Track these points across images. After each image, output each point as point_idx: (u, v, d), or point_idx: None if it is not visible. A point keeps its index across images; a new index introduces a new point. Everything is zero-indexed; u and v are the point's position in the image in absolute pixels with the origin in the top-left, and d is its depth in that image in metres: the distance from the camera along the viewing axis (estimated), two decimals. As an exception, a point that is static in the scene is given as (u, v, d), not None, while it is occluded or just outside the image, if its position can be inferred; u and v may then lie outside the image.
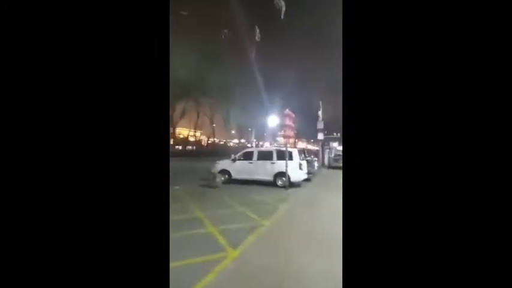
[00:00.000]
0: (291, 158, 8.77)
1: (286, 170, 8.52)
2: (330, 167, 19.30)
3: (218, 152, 29.80)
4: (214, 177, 9.06)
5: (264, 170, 9.09)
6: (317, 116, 23.06)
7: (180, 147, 37.55)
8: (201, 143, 48.99)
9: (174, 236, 3.98)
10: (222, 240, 3.85)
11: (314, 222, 4.92)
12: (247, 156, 9.58)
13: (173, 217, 5.04)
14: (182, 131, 48.57)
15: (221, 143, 50.89)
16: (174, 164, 17.94)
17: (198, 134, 51.00)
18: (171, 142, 34.67)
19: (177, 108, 35.77)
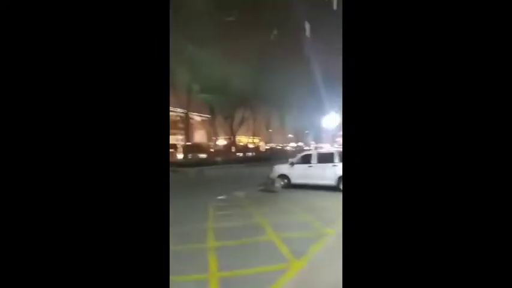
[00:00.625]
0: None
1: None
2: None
3: (276, 156, 29.92)
4: (273, 182, 8.96)
5: (325, 174, 8.46)
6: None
7: (241, 154, 39.21)
8: (259, 148, 50.21)
9: (233, 244, 3.98)
10: (284, 250, 3.64)
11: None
12: (306, 159, 9.11)
13: (234, 224, 5.09)
14: (242, 139, 50.78)
15: (278, 147, 51.05)
16: (234, 171, 18.86)
17: (256, 140, 52.46)
18: (233, 150, 36.48)
19: (235, 117, 37.63)
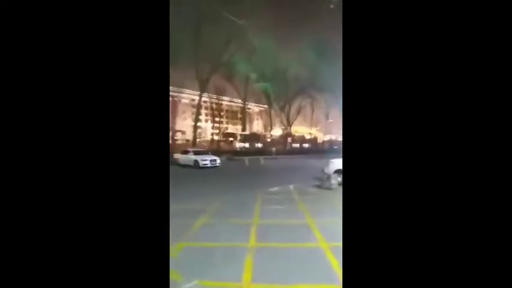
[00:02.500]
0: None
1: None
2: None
3: (334, 149, 27.95)
4: (328, 178, 8.12)
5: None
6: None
7: (298, 145, 38.26)
8: (316, 140, 48.05)
9: (276, 246, 3.57)
10: (334, 263, 3.04)
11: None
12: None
13: (281, 221, 4.68)
14: (299, 129, 49.45)
15: (338, 139, 47.79)
16: (289, 162, 18.37)
17: (313, 131, 50.31)
18: (289, 140, 35.87)
19: (292, 107, 36.69)
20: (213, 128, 35.87)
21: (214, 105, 36.90)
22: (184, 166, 14.35)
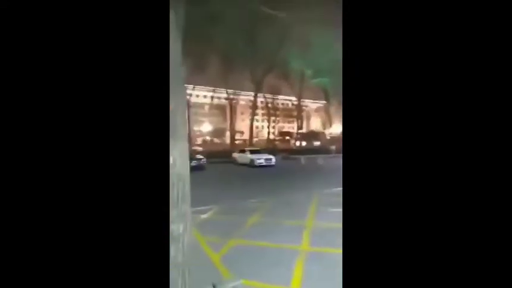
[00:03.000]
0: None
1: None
2: None
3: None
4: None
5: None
6: None
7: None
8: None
9: (330, 251, 3.27)
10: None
11: None
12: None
13: (336, 225, 4.31)
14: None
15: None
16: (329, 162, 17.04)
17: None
18: (328, 137, 33.44)
19: (331, 104, 34.08)
20: (268, 127, 36.27)
21: (269, 105, 37.25)
22: (242, 165, 14.90)
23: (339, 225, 4.27)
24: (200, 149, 24.10)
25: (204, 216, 5.01)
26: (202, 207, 5.52)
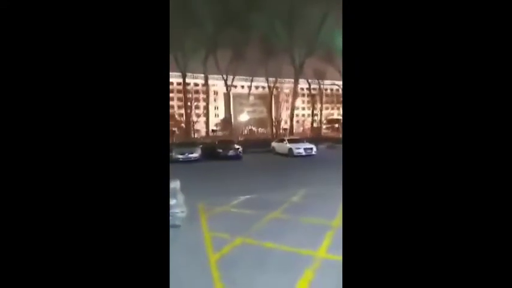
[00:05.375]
0: None
1: None
2: None
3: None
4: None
5: None
6: None
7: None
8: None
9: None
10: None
11: None
12: None
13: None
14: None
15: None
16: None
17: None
18: None
19: None
20: (312, 115, 34.34)
21: (313, 91, 35.13)
22: (280, 155, 14.35)
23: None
24: (241, 139, 24.29)
25: (220, 208, 4.71)
26: (222, 199, 5.24)
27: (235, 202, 5.09)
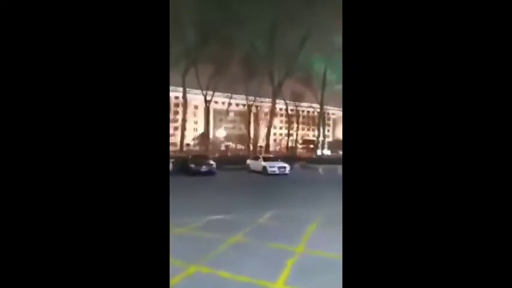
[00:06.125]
0: None
1: None
2: None
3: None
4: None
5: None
6: None
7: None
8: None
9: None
10: None
11: None
12: None
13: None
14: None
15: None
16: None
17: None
18: None
19: None
20: (288, 134, 35.04)
21: (290, 111, 36.14)
22: (255, 172, 14.19)
23: (336, 255, 3.31)
24: (215, 155, 23.87)
25: (180, 230, 4.36)
26: (186, 218, 4.89)
27: (198, 223, 4.77)
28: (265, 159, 14.51)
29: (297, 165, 18.43)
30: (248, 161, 15.98)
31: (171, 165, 12.45)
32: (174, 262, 3.09)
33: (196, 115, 56.59)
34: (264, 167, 13.47)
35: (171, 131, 29.83)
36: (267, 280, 2.72)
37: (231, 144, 45.64)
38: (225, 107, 36.79)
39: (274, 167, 13.34)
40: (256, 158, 15.37)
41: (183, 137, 25.99)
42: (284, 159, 16.09)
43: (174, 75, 24.33)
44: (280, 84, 26.21)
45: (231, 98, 30.77)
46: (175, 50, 22.55)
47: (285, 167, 13.58)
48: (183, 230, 4.37)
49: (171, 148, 29.08)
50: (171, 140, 30.90)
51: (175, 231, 4.23)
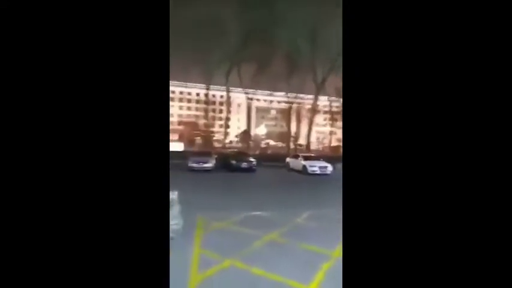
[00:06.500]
0: None
1: None
2: None
3: None
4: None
5: None
6: None
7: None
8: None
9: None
10: None
11: None
12: None
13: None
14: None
15: None
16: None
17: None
18: None
19: None
20: (331, 133, 33.49)
21: (333, 108, 34.45)
22: (294, 171, 13.99)
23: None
24: (255, 152, 24.18)
25: (218, 224, 4.56)
26: (225, 213, 5.10)
27: (236, 218, 4.92)
28: (306, 158, 14.17)
29: (340, 165, 17.57)
30: (288, 159, 15.81)
31: (213, 161, 13.07)
32: (210, 254, 3.27)
33: (239, 113, 58.31)
34: (304, 166, 13.17)
35: (216, 129, 31.20)
36: (299, 282, 2.68)
37: (272, 142, 45.78)
38: (267, 104, 36.97)
39: (315, 166, 12.94)
40: (296, 157, 15.10)
41: (225, 134, 27.02)
42: (326, 158, 15.48)
43: (217, 76, 25.43)
44: (323, 81, 25.23)
45: (272, 95, 30.76)
46: (218, 52, 23.53)
47: (326, 167, 13.06)
48: (221, 224, 4.56)
49: (216, 145, 30.54)
50: (216, 137, 32.37)
51: (214, 226, 4.45)
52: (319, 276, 2.82)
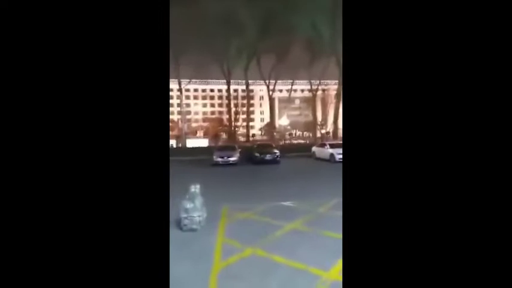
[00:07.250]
0: None
1: None
2: None
3: None
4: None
5: None
6: None
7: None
8: None
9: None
10: None
11: None
12: None
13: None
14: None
15: None
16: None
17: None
18: None
19: None
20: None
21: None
22: (321, 160, 13.68)
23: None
24: (280, 143, 24.02)
25: (240, 215, 4.66)
26: (248, 205, 5.19)
27: (259, 209, 4.99)
28: (333, 146, 13.74)
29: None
30: (313, 148, 15.49)
31: (238, 155, 13.28)
32: (232, 243, 3.37)
33: (262, 105, 58.14)
34: (332, 154, 12.80)
35: (240, 123, 31.59)
36: (320, 268, 2.65)
37: (296, 132, 45.06)
38: (290, 94, 36.43)
39: (342, 153, 12.52)
40: (323, 145, 14.72)
41: (248, 127, 27.23)
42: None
43: (238, 70, 25.54)
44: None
45: (293, 84, 30.12)
46: (236, 46, 23.50)
47: (354, 153, 12.54)
48: (245, 214, 4.66)
49: (240, 139, 31.00)
50: (240, 131, 32.80)
51: (237, 216, 4.56)
52: (340, 262, 2.76)
